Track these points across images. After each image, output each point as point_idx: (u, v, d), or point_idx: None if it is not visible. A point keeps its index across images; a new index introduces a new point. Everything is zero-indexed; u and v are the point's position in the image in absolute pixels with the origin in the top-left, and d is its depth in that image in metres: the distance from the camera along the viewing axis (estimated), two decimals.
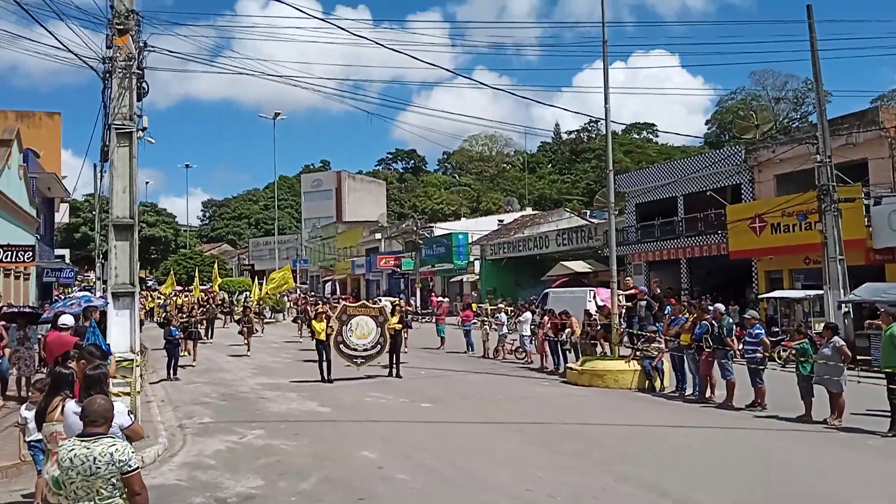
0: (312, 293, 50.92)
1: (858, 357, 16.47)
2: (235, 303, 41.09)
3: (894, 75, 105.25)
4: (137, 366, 10.60)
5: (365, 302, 19.80)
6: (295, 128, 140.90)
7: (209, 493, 7.74)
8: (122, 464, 4.11)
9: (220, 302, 38.53)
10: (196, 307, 28.35)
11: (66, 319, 10.50)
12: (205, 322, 27.25)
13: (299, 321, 28.51)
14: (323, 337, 16.16)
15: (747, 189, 27.47)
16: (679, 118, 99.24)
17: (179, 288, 48.39)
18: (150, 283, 64.94)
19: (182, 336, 19.15)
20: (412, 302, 39.04)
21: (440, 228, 50.98)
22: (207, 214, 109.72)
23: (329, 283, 59.95)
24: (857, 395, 11.44)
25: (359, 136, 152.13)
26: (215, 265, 53.57)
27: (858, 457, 9.13)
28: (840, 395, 10.85)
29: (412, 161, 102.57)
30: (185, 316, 22.22)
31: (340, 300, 27.86)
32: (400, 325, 17.78)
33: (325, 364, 16.06)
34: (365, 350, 16.30)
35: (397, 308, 18.66)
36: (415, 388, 15.22)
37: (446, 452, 9.39)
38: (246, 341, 22.72)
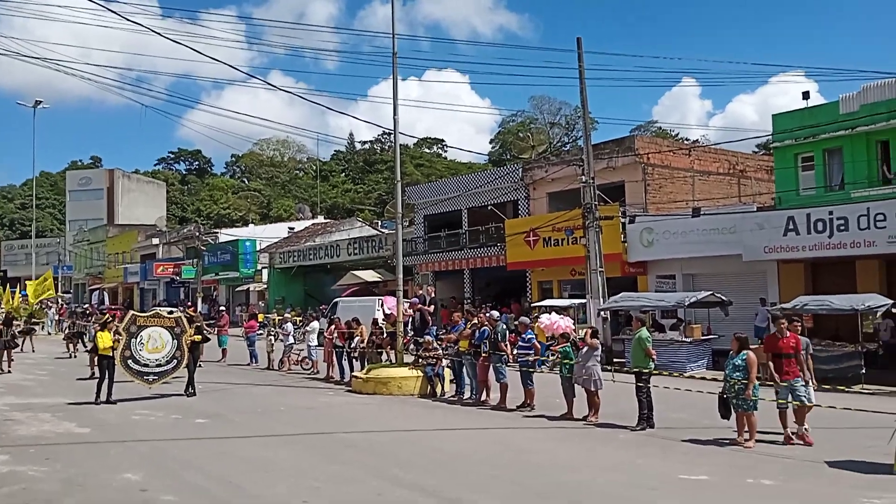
0: (82, 304, 46.14)
1: (615, 360, 18.33)
2: None
3: (650, 108, 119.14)
4: None
5: (158, 311, 17.86)
6: (62, 119, 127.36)
7: None
8: None
9: None
10: None
11: None
12: None
13: (70, 335, 25.36)
14: (109, 352, 14.39)
15: (524, 205, 29.47)
16: (467, 136, 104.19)
17: None
18: None
19: None
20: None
21: (226, 235, 48.73)
22: None
23: (97, 292, 54.82)
24: (615, 393, 12.64)
25: (137, 133, 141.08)
26: None
27: (610, 450, 10.09)
28: (595, 394, 11.95)
29: (197, 162, 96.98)
30: None
31: (108, 311, 25.47)
32: (199, 337, 16.08)
33: (105, 382, 14.19)
34: (158, 365, 14.70)
35: (194, 318, 17.01)
36: (190, 403, 14.34)
37: (220, 470, 8.93)
38: (8, 358, 19.90)
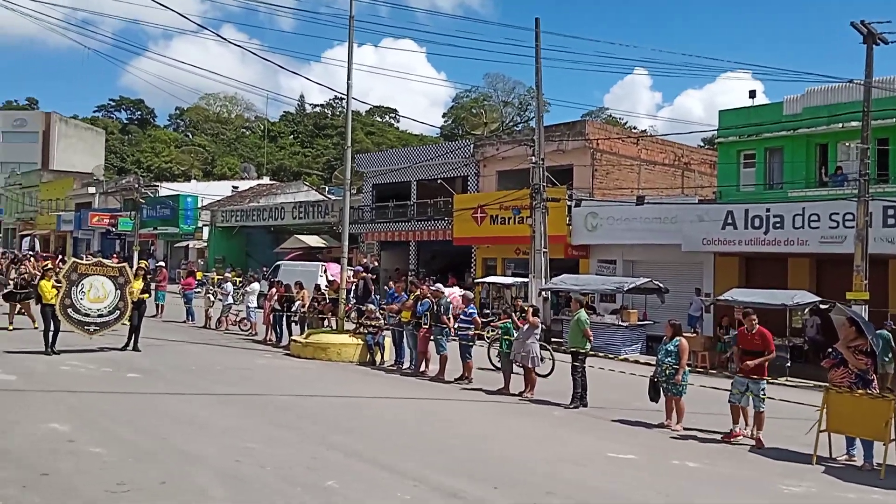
0: (12, 250, 44.27)
1: (553, 339, 18.68)
2: None
3: (602, 96, 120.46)
4: None
5: (101, 259, 17.10)
6: None
7: None
8: None
9: None
10: None
11: None
12: None
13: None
14: (52, 300, 13.85)
15: (473, 181, 29.54)
16: (421, 108, 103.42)
17: None
18: None
19: None
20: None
21: (167, 189, 47.35)
22: None
23: (28, 239, 52.68)
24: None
25: (78, 78, 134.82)
26: None
27: (543, 425, 10.31)
28: (532, 370, 12.17)
29: (139, 112, 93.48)
30: None
31: (38, 258, 24.48)
32: (146, 295, 15.62)
33: (51, 333, 13.74)
34: (100, 315, 14.16)
35: (140, 271, 16.20)
36: (122, 357, 14.01)
37: (150, 425, 8.78)
38: None
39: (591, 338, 12.06)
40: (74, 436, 8.03)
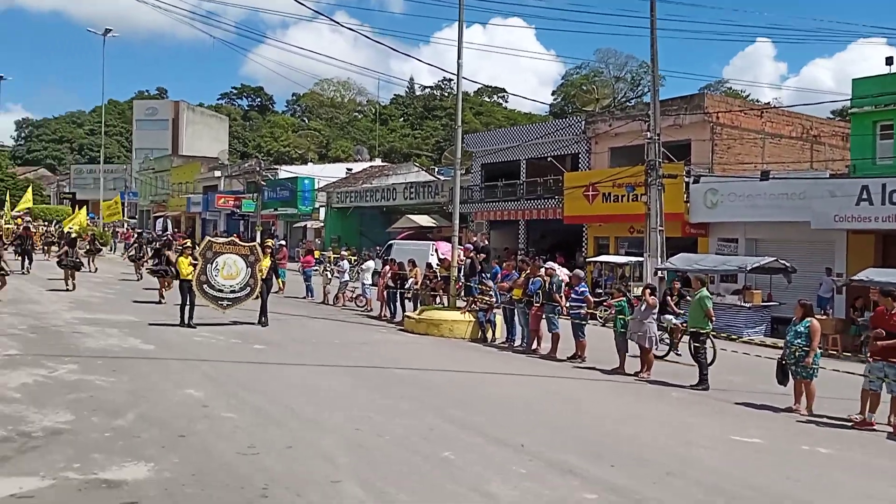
0: (153, 231, 47.60)
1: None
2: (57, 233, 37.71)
3: (721, 68, 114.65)
4: None
5: (234, 238, 17.91)
6: (132, 50, 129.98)
7: (11, 427, 7.08)
8: None
9: (43, 232, 35.24)
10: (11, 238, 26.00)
11: None
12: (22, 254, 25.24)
13: (136, 258, 26.09)
14: (189, 276, 14.67)
15: (584, 158, 28.95)
16: (530, 88, 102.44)
17: None
18: None
19: None
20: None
21: (285, 171, 49.43)
22: (23, 135, 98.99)
23: (161, 220, 56.45)
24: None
25: (203, 67, 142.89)
26: (29, 189, 48.67)
27: (662, 406, 10.03)
28: (650, 351, 11.85)
29: (259, 99, 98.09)
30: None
31: (178, 238, 26.17)
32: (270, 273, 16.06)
33: (187, 307, 14.57)
34: (232, 291, 14.83)
35: (268, 249, 16.79)
36: (249, 330, 14.78)
37: (276, 393, 9.22)
38: (70, 275, 20.57)
39: (713, 318, 11.59)
40: (208, 401, 8.55)
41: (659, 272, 20.02)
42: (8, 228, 32.14)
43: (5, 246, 21.14)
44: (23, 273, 24.10)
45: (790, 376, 9.92)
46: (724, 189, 22.13)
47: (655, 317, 12.25)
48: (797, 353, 9.76)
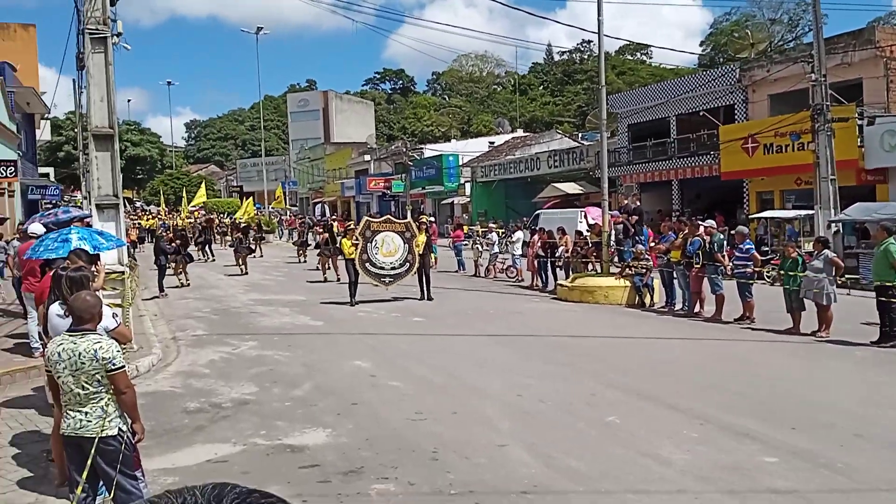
0: (313, 216, 50.57)
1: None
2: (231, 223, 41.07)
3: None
4: (128, 278, 10.52)
5: (390, 217, 18.37)
6: (280, 46, 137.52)
7: (204, 399, 7.80)
8: (105, 361, 4.07)
9: (218, 223, 38.51)
10: (195, 230, 28.83)
11: (35, 228, 9.81)
12: (203, 243, 27.91)
13: (299, 243, 27.93)
14: (351, 255, 15.17)
15: (741, 109, 27.11)
16: (675, 42, 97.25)
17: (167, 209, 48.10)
18: (137, 203, 64.34)
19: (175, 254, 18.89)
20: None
21: (430, 150, 50.33)
22: (192, 135, 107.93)
23: (319, 205, 59.57)
24: (846, 309, 11.58)
25: (345, 56, 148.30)
26: (203, 185, 53.00)
27: (846, 366, 9.27)
28: (828, 308, 10.96)
29: (401, 81, 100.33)
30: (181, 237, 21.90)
31: (332, 221, 27.51)
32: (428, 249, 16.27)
33: (354, 286, 15.03)
34: (392, 268, 15.21)
35: (422, 225, 17.00)
36: (406, 304, 15.28)
37: (437, 362, 9.49)
38: (242, 261, 22.35)
39: None
40: (375, 371, 8.96)
41: (833, 225, 18.46)
42: (188, 222, 35.27)
43: (193, 239, 23.27)
44: (207, 261, 26.42)
45: None
46: None
47: (832, 272, 11.29)
48: None
